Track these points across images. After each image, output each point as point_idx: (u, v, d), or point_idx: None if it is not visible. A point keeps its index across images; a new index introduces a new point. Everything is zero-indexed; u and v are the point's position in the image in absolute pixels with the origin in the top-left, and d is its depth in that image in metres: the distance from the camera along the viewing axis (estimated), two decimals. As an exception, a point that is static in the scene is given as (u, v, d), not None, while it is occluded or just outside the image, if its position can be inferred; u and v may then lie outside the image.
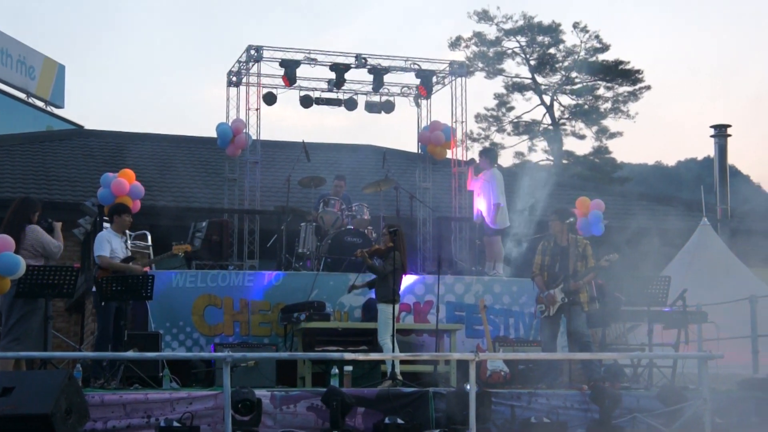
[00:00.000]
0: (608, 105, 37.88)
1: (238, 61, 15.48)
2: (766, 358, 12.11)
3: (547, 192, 14.46)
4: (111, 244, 10.76)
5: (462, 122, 16.13)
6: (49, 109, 31.53)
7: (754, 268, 15.90)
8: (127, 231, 12.10)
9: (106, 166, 17.45)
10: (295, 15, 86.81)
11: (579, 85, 37.91)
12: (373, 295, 11.99)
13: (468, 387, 8.45)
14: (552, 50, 37.95)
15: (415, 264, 14.32)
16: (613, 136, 37.96)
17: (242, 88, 15.53)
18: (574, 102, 38.36)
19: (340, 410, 8.78)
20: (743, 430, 9.73)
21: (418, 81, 16.02)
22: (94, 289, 10.77)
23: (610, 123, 37.97)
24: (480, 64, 38.15)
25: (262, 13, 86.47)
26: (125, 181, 12.95)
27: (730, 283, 14.20)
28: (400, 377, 10.44)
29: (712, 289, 13.67)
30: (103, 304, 10.44)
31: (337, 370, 9.91)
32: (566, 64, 37.86)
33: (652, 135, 78.14)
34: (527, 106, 38.69)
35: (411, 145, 33.59)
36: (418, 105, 16.66)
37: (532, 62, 38.08)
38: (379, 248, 11.07)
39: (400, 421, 8.88)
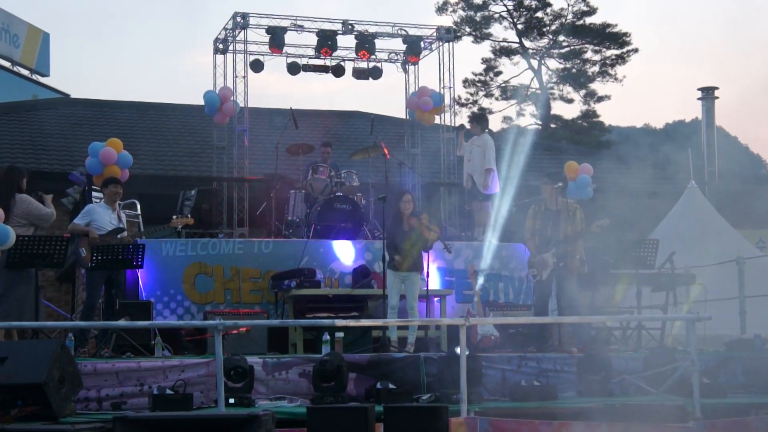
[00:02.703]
0: (596, 68, 37.78)
1: (225, 29, 15.40)
2: (753, 318, 12.22)
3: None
4: (94, 216, 10.77)
5: (450, 87, 16.15)
6: (34, 77, 31.23)
7: (742, 230, 15.99)
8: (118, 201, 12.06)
9: (93, 134, 17.36)
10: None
11: (566, 49, 37.77)
12: (363, 262, 12.09)
13: (459, 351, 8.50)
14: (539, 14, 37.77)
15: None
16: (600, 99, 37.90)
17: (229, 56, 15.49)
18: (561, 66, 38.28)
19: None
20: (731, 390, 9.83)
21: (405, 47, 15.98)
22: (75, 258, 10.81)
23: (598, 86, 37.90)
24: (467, 29, 37.93)
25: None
26: (113, 150, 12.90)
27: (718, 245, 14.27)
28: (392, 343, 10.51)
29: (700, 251, 13.75)
30: (83, 272, 10.48)
31: (328, 337, 9.96)
32: (553, 27, 37.72)
33: (640, 98, 78.21)
34: (515, 71, 38.50)
35: (399, 112, 33.50)
36: (405, 71, 16.62)
37: (520, 26, 37.89)
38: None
39: (391, 386, 8.93)
